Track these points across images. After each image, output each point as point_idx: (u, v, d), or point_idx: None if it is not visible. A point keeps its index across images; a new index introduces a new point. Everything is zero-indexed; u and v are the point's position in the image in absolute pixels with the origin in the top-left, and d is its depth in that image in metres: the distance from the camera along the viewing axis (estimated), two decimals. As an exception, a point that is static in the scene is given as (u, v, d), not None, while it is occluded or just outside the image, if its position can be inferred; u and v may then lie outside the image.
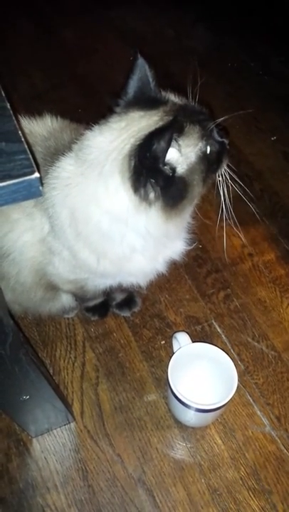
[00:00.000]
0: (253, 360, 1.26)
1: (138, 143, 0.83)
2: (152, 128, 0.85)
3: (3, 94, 0.56)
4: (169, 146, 0.80)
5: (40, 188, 0.49)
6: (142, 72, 0.98)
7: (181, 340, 1.13)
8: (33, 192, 0.49)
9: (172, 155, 0.85)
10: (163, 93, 0.98)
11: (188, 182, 0.88)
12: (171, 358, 1.07)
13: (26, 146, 0.50)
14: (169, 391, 1.04)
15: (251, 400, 1.19)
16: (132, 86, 0.98)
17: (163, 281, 1.36)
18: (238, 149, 1.82)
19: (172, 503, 1.04)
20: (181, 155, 0.87)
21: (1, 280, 1.07)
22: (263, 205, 1.63)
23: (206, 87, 2.16)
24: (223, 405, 1.01)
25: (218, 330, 1.31)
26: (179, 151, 0.86)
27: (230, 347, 1.28)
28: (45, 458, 1.10)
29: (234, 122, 1.93)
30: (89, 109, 1.91)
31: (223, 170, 0.98)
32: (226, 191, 0.99)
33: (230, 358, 1.07)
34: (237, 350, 1.27)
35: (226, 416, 1.16)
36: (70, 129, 1.06)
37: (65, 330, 1.30)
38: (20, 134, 0.51)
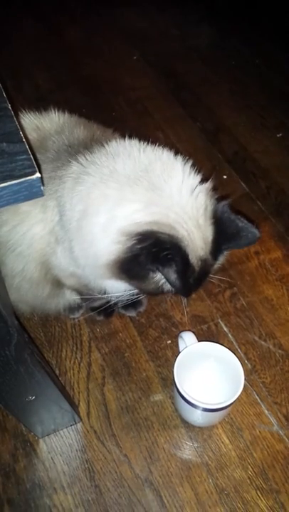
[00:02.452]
0: (260, 359, 1.25)
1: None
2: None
3: (5, 95, 0.56)
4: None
5: (42, 188, 0.49)
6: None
7: (187, 340, 1.12)
8: (35, 192, 0.49)
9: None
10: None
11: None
12: (177, 357, 1.06)
13: (27, 147, 0.50)
14: (176, 391, 1.03)
15: (258, 399, 1.18)
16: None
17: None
18: (243, 147, 1.82)
19: (180, 503, 1.04)
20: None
21: (6, 277, 1.07)
22: (269, 202, 1.62)
23: (211, 85, 2.18)
24: (230, 404, 1.00)
25: (225, 329, 1.30)
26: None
27: (236, 346, 1.27)
28: (52, 458, 1.10)
29: (239, 120, 1.93)
30: (94, 109, 1.92)
31: None
32: None
33: (237, 357, 1.07)
34: (244, 349, 1.27)
35: (233, 415, 1.15)
36: (83, 124, 1.07)
37: (70, 330, 1.30)
38: (22, 135, 0.51)
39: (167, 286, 0.91)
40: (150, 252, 0.84)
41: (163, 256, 0.83)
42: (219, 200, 0.94)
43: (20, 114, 1.09)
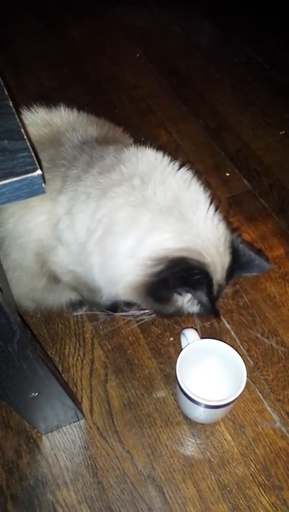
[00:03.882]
0: (263, 356, 1.25)
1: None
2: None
3: (6, 92, 0.56)
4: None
5: (43, 185, 0.49)
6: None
7: (190, 337, 1.13)
8: (36, 189, 0.49)
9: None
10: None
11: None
12: (179, 354, 1.07)
13: (29, 144, 0.51)
14: (178, 388, 1.03)
15: (261, 396, 1.18)
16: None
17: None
18: (246, 144, 1.81)
19: (182, 499, 1.04)
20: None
21: (8, 271, 1.08)
22: (271, 200, 1.62)
23: (213, 83, 2.18)
24: (233, 401, 1.00)
25: (227, 326, 1.31)
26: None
27: (239, 343, 1.27)
28: (55, 455, 1.10)
29: (242, 117, 1.93)
30: (96, 107, 1.92)
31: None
32: None
33: (239, 354, 1.07)
34: (246, 347, 1.27)
35: (235, 412, 1.16)
36: (96, 123, 1.10)
37: (73, 327, 1.31)
38: (23, 132, 0.51)
39: (189, 309, 0.99)
40: (181, 276, 0.90)
41: (195, 280, 0.89)
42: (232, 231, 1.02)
43: (29, 108, 1.10)
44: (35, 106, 1.10)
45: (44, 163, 0.98)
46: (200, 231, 0.93)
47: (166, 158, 0.99)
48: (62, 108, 1.11)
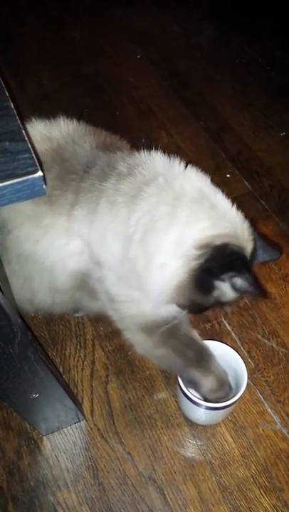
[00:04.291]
0: (264, 358, 1.25)
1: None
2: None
3: (7, 94, 0.56)
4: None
5: (44, 186, 0.49)
6: None
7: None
8: (37, 191, 0.49)
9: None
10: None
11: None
12: (180, 355, 1.07)
13: (30, 146, 0.51)
14: (179, 389, 1.03)
15: (262, 398, 1.18)
16: None
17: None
18: (246, 146, 1.81)
19: (183, 501, 1.04)
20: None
21: (21, 280, 1.08)
22: (272, 201, 1.62)
23: (214, 84, 2.18)
24: (233, 403, 1.00)
25: (228, 327, 1.30)
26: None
27: (240, 344, 1.27)
28: (56, 456, 1.10)
29: (243, 119, 1.93)
30: (97, 109, 1.92)
31: None
32: None
33: (240, 355, 1.07)
34: (247, 348, 1.27)
35: (236, 414, 1.16)
36: (93, 132, 1.09)
37: (74, 329, 1.31)
38: (24, 134, 0.51)
39: (227, 297, 0.99)
40: (227, 262, 0.92)
41: (239, 264, 0.93)
42: None
43: (27, 123, 1.09)
44: (33, 119, 1.09)
45: (51, 182, 0.99)
46: (231, 218, 0.97)
47: (175, 159, 1.01)
48: (61, 120, 1.09)
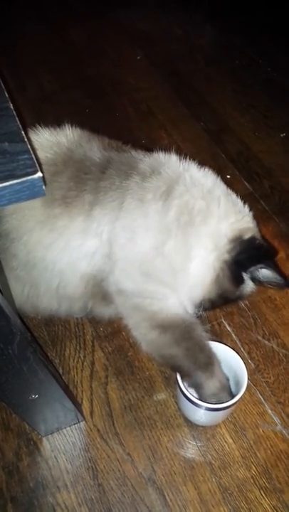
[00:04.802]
0: (264, 359, 1.25)
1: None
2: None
3: (6, 95, 0.56)
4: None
5: (43, 187, 0.49)
6: None
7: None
8: (36, 191, 0.49)
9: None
10: None
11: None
12: (180, 356, 1.07)
13: (29, 146, 0.51)
14: (179, 390, 1.03)
15: (262, 399, 1.18)
16: None
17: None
18: (247, 147, 1.82)
19: (183, 502, 1.04)
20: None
21: (27, 287, 1.08)
22: (272, 202, 1.62)
23: (214, 85, 2.18)
24: (234, 404, 1.00)
25: (228, 328, 1.30)
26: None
27: (240, 345, 1.27)
28: (56, 457, 1.10)
29: (243, 120, 1.93)
30: (97, 110, 1.92)
31: None
32: None
33: (240, 356, 1.07)
34: (247, 349, 1.27)
35: (236, 415, 1.15)
36: (96, 138, 1.11)
37: (74, 329, 1.31)
38: (23, 134, 0.51)
39: (246, 290, 1.08)
40: (256, 254, 1.00)
41: (266, 256, 1.02)
42: None
43: (34, 132, 1.09)
44: (39, 128, 1.10)
45: (65, 184, 1.00)
46: (248, 213, 1.07)
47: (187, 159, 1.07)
48: (66, 127, 1.11)
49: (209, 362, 1.04)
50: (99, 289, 1.07)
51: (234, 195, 1.07)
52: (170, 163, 1.04)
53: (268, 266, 0.99)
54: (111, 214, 0.98)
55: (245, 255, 0.99)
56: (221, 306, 1.12)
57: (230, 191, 1.07)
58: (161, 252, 0.99)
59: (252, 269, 1.00)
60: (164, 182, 0.99)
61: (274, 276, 0.99)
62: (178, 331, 1.03)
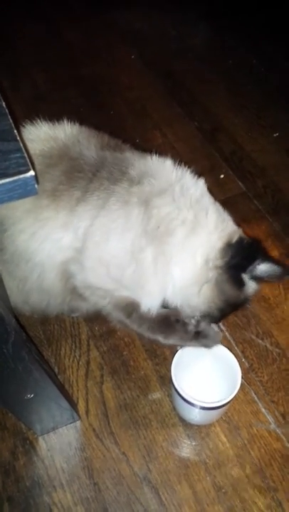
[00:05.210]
0: (258, 358, 1.25)
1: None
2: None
3: (-1, 94, 0.57)
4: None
5: (36, 186, 0.49)
6: None
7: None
8: (29, 190, 0.50)
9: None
10: None
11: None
12: (174, 356, 1.07)
13: (22, 145, 0.51)
14: (173, 389, 1.04)
15: (256, 398, 1.18)
16: None
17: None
18: (240, 146, 1.82)
19: (178, 501, 1.04)
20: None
21: (16, 281, 1.08)
22: (266, 202, 1.63)
23: (208, 85, 2.18)
24: (228, 403, 1.01)
25: (222, 327, 1.31)
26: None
27: (234, 344, 1.28)
28: (51, 456, 1.10)
29: (236, 119, 1.93)
30: (91, 109, 1.92)
31: None
32: None
33: (234, 355, 1.07)
34: (241, 348, 1.27)
35: (230, 414, 1.16)
36: (96, 135, 1.11)
37: (69, 329, 1.31)
38: (16, 133, 0.52)
39: (249, 291, 1.07)
40: (250, 253, 1.01)
41: (260, 252, 1.03)
42: None
43: (33, 125, 1.10)
44: (38, 121, 1.10)
45: (57, 177, 1.00)
46: (230, 218, 1.08)
47: (182, 166, 1.07)
48: (65, 122, 1.11)
49: (169, 327, 1.11)
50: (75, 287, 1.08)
51: (217, 203, 1.08)
52: (163, 170, 1.04)
53: (263, 260, 1.00)
54: (92, 211, 0.98)
55: (239, 257, 1.00)
56: (230, 314, 1.12)
57: (212, 198, 1.08)
58: (135, 258, 0.99)
59: (250, 268, 1.00)
60: (151, 190, 0.99)
61: (272, 269, 1.00)
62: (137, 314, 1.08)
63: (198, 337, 1.11)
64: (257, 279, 1.04)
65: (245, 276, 1.02)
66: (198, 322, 1.13)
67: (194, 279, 1.02)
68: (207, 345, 1.09)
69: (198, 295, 1.04)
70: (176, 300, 1.06)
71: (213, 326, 1.13)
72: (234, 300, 1.06)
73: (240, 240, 1.02)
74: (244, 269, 1.01)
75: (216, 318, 1.09)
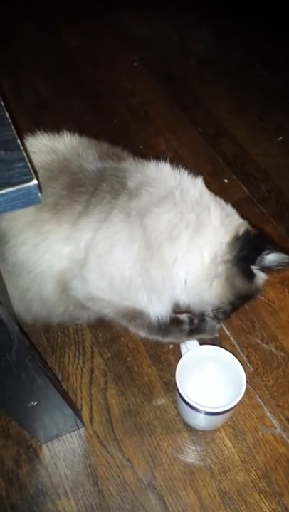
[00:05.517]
0: (263, 362, 1.25)
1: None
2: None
3: (2, 104, 0.57)
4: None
5: (39, 195, 0.49)
6: None
7: (189, 344, 1.13)
8: (32, 199, 0.50)
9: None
10: None
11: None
12: (179, 361, 1.06)
13: (25, 154, 0.51)
14: (178, 395, 1.03)
15: (261, 402, 1.18)
16: None
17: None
18: (243, 150, 1.82)
19: (183, 507, 1.04)
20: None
21: (19, 291, 1.09)
22: (270, 205, 1.62)
23: (210, 88, 2.18)
24: (233, 408, 1.00)
25: (227, 332, 1.30)
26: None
27: (239, 349, 1.27)
28: (55, 464, 1.10)
29: (239, 123, 1.93)
30: (94, 116, 1.93)
31: None
32: None
33: (239, 360, 1.07)
34: (246, 352, 1.27)
35: (235, 418, 1.15)
36: (95, 145, 1.12)
37: (73, 336, 1.30)
38: (19, 143, 0.52)
39: (259, 283, 1.08)
40: (257, 244, 1.02)
41: (267, 242, 1.03)
42: None
43: (33, 137, 1.11)
44: (38, 133, 1.11)
45: (59, 191, 1.01)
46: (236, 212, 1.10)
47: (181, 169, 1.08)
48: (64, 134, 1.12)
49: (166, 331, 1.18)
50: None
51: (219, 199, 1.09)
52: (161, 177, 1.04)
53: (272, 250, 1.00)
54: (95, 223, 0.99)
55: (247, 249, 1.01)
56: (241, 306, 1.14)
57: (214, 197, 1.09)
58: (140, 270, 1.00)
59: (259, 259, 1.01)
60: (150, 199, 1.00)
61: (281, 258, 1.00)
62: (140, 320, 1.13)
63: (193, 334, 1.19)
64: (266, 269, 1.04)
65: (254, 268, 1.03)
66: (191, 320, 1.18)
67: (204, 276, 1.03)
68: (204, 339, 1.18)
69: (210, 290, 1.05)
70: (187, 299, 1.08)
71: (208, 319, 1.19)
72: (245, 292, 1.07)
73: (246, 232, 1.03)
74: (253, 261, 1.01)
75: (227, 312, 1.11)
